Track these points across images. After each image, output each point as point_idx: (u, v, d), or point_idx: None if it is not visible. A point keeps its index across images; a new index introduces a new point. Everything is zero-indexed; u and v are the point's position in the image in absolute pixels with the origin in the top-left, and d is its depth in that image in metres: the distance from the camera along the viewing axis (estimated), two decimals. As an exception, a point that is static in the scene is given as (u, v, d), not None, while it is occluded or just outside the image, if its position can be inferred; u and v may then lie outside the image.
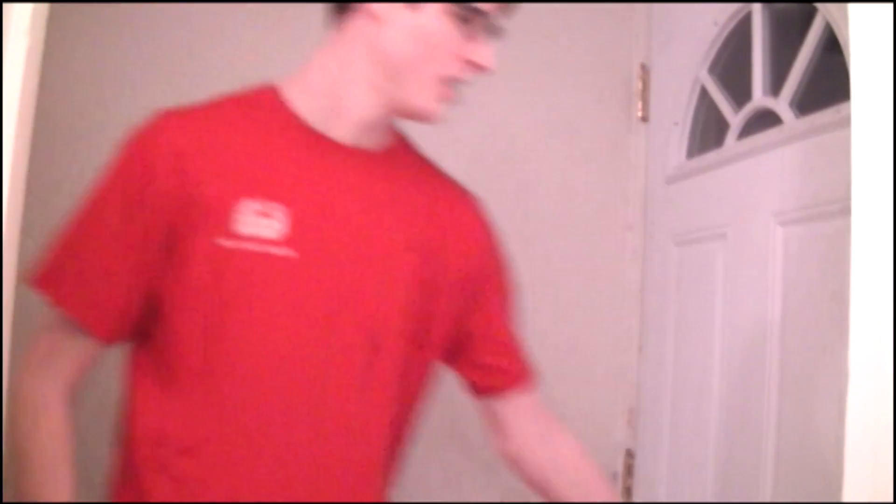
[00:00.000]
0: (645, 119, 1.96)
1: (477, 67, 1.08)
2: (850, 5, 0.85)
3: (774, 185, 1.45)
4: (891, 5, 0.82)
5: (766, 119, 1.55)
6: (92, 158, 1.89)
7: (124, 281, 1.02)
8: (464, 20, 1.05)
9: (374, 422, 1.05)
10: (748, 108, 1.58)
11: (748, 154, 1.54)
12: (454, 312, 1.13)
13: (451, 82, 1.08)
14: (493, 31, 1.09)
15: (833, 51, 1.37)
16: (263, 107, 1.10)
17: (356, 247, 1.05)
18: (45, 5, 0.85)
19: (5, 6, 0.80)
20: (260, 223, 1.01)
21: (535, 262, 1.88)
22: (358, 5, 1.07)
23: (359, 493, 1.05)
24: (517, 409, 1.20)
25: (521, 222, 1.91)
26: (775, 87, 1.53)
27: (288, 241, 1.01)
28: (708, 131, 1.80)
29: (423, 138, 1.18)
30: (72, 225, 1.05)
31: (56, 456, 1.03)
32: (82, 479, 1.05)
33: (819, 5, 1.38)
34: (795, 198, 1.37)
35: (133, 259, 1.01)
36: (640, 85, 1.98)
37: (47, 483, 1.01)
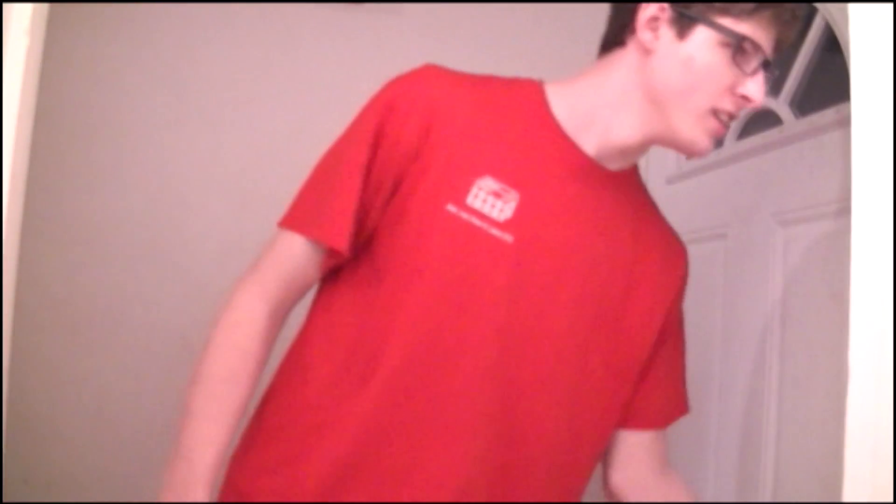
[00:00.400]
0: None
1: (745, 101, 1.06)
2: (850, 5, 0.85)
3: (774, 186, 1.45)
4: (891, 5, 0.82)
5: (765, 119, 1.55)
6: (92, 158, 1.90)
7: (357, 199, 1.04)
8: (735, 51, 1.03)
9: (579, 449, 1.10)
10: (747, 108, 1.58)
11: (748, 154, 1.54)
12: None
13: (721, 115, 1.06)
14: (766, 66, 1.06)
15: (833, 51, 1.38)
16: (524, 97, 1.10)
17: (568, 253, 1.07)
18: (45, 5, 0.85)
19: (5, 6, 0.80)
20: (492, 203, 1.04)
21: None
22: (629, 37, 1.07)
23: None
24: (640, 440, 1.18)
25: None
26: (775, 87, 1.53)
27: (509, 227, 1.03)
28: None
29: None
30: (320, 161, 1.09)
31: (237, 370, 1.04)
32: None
33: (819, 5, 1.39)
34: (795, 198, 1.37)
35: (363, 185, 1.03)
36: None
37: (216, 397, 1.03)
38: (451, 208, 1.02)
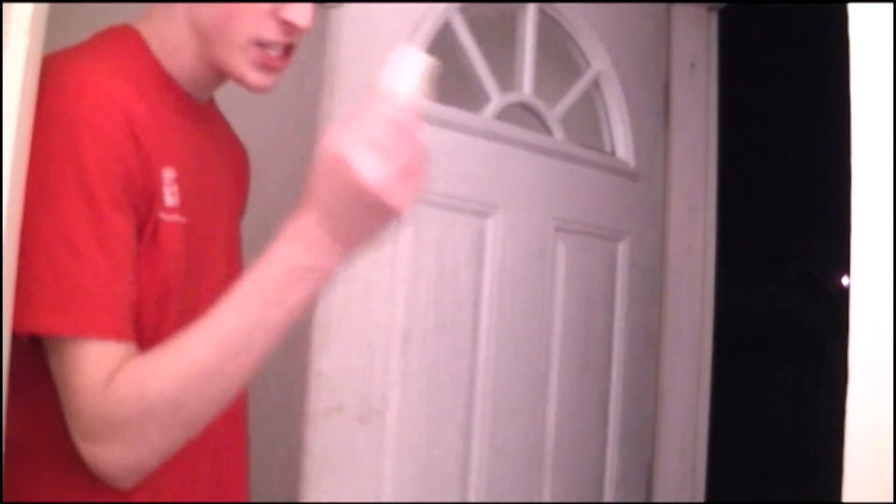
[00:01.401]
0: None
1: (290, 27, 0.97)
2: (850, 5, 0.85)
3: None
4: (891, 5, 0.82)
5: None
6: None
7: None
8: None
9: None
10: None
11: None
12: None
13: (268, 46, 0.98)
14: None
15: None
16: (139, 60, 1.01)
17: (217, 209, 1.04)
18: (45, 5, 0.85)
19: (5, 6, 0.80)
20: (171, 192, 0.95)
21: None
22: None
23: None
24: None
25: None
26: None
27: (181, 209, 0.96)
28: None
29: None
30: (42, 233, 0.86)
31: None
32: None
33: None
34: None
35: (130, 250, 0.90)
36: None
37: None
38: (162, 216, 0.93)
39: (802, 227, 4.70)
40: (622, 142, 2.12)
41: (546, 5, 1.98)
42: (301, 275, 0.86)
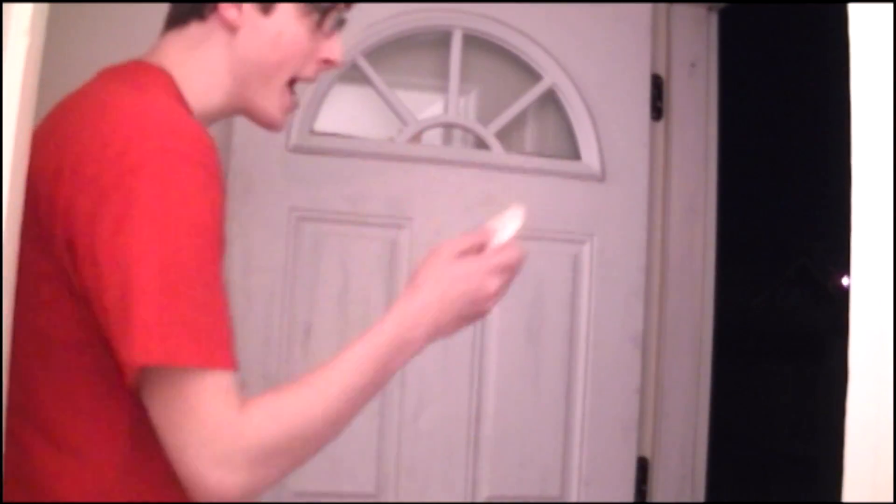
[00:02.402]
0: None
1: (329, 64, 1.07)
2: (850, 5, 0.85)
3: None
4: (890, 5, 0.82)
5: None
6: (92, 158, 1.89)
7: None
8: (317, 18, 1.03)
9: None
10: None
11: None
12: None
13: (299, 83, 1.06)
14: (341, 24, 1.08)
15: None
16: (179, 100, 1.03)
17: None
18: (45, 5, 0.85)
19: (5, 6, 0.80)
20: None
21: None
22: (210, 12, 1.04)
23: None
24: None
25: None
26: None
27: None
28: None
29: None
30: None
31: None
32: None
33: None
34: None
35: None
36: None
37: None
38: None
39: (802, 227, 4.70)
40: (586, 146, 2.15)
41: (472, 29, 2.09)
42: (405, 346, 1.00)
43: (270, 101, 1.05)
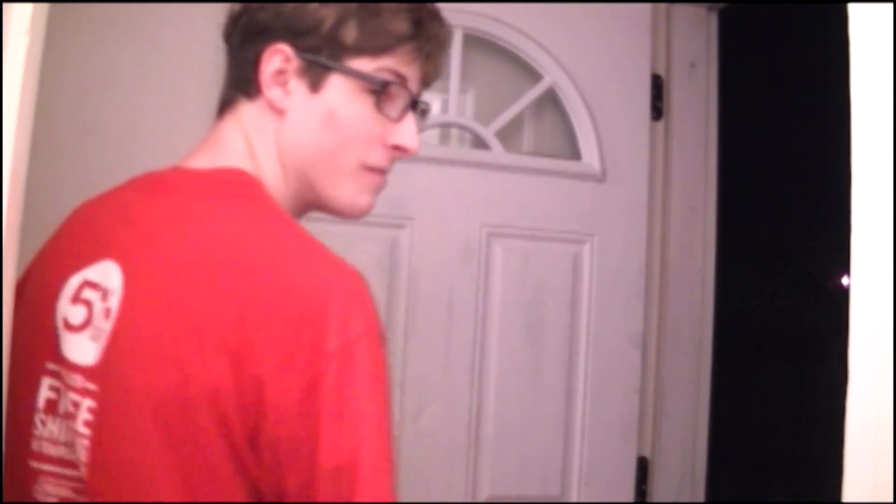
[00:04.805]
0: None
1: (401, 151, 0.93)
2: (850, 5, 0.85)
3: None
4: (890, 5, 0.82)
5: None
6: (92, 158, 1.89)
7: None
8: (380, 94, 0.90)
9: None
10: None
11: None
12: None
13: (377, 170, 0.93)
14: (416, 107, 0.94)
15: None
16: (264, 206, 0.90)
17: None
18: (45, 5, 0.85)
19: (5, 6, 0.80)
20: None
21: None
22: (256, 91, 0.91)
23: None
24: None
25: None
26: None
27: None
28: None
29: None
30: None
31: None
32: None
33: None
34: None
35: None
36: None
37: None
38: None
39: (802, 227, 4.70)
40: (586, 146, 2.16)
41: (472, 28, 2.09)
42: None
43: (348, 187, 0.92)
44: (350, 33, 0.89)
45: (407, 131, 0.92)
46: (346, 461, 0.76)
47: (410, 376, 1.98)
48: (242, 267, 0.80)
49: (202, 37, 1.97)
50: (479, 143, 2.13)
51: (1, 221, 0.79)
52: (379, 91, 0.89)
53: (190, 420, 0.77)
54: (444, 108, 2.12)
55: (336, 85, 0.89)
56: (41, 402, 0.85)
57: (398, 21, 0.90)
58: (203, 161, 0.93)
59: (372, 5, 0.90)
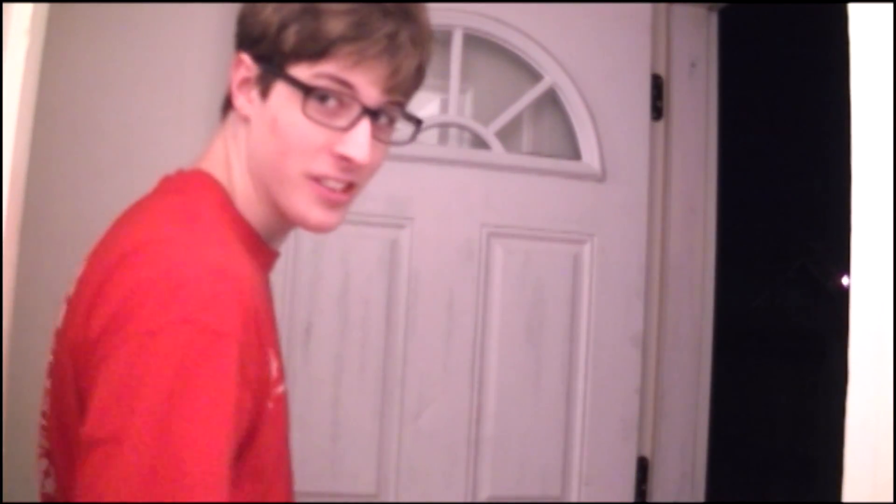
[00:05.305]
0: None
1: (347, 162, 0.87)
2: (850, 5, 0.85)
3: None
4: (890, 5, 0.82)
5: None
6: (92, 158, 1.90)
7: None
8: (318, 103, 0.86)
9: None
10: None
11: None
12: None
13: (325, 181, 0.89)
14: (379, 115, 0.89)
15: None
16: (234, 218, 0.92)
17: None
18: (45, 5, 0.85)
19: (5, 6, 0.80)
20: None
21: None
22: (232, 101, 0.92)
23: None
24: None
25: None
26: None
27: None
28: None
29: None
30: None
31: None
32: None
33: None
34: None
35: None
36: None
37: None
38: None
39: (802, 227, 4.70)
40: (586, 146, 2.16)
41: (472, 28, 2.09)
42: None
43: (295, 198, 0.89)
44: (290, 38, 0.86)
45: (353, 141, 0.87)
46: (105, 436, 0.75)
47: (410, 376, 1.98)
48: (128, 249, 0.84)
49: (202, 37, 1.98)
50: (479, 142, 2.13)
51: (1, 221, 0.79)
52: (316, 97, 0.86)
53: (68, 364, 0.85)
54: (444, 108, 2.12)
55: (279, 92, 0.88)
56: (46, 365, 0.95)
57: (334, 22, 0.85)
58: (198, 164, 0.97)
59: (315, 7, 0.86)
